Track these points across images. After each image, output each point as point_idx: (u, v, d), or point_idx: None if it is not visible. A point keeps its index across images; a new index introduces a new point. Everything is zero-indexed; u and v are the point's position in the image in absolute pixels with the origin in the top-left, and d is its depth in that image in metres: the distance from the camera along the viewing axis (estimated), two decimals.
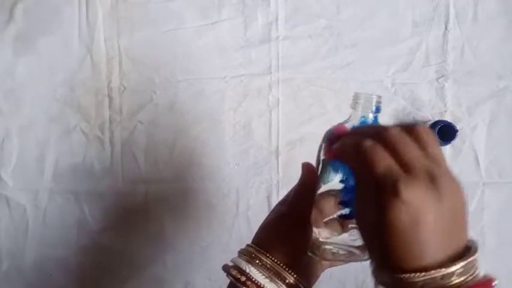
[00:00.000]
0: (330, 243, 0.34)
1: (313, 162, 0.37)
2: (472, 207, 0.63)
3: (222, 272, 0.36)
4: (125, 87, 0.65)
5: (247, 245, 0.37)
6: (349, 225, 0.34)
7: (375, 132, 0.27)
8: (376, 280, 0.28)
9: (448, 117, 0.64)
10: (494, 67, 0.64)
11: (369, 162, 0.25)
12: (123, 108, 0.65)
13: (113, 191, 0.65)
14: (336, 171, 0.34)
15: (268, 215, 0.40)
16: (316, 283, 0.37)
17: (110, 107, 0.65)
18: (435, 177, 0.24)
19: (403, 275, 0.24)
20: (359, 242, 0.34)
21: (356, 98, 0.35)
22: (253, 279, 0.33)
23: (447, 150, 0.64)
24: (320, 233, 0.35)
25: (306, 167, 0.38)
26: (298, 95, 0.65)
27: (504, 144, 0.64)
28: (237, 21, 0.65)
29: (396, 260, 0.25)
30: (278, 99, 0.65)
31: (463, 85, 0.64)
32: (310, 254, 0.35)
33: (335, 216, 0.34)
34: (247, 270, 0.34)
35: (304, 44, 0.65)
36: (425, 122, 0.64)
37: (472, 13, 0.64)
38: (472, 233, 0.26)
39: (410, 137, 0.26)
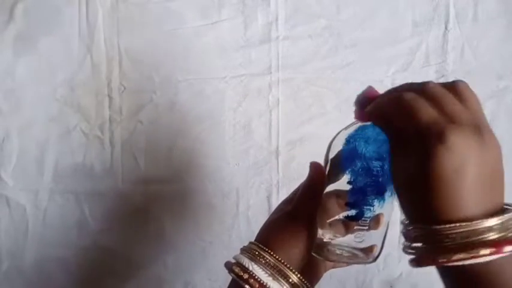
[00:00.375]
0: (334, 245, 0.34)
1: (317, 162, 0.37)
2: None
3: (222, 271, 0.35)
4: (124, 87, 0.65)
5: (250, 243, 0.36)
6: (355, 227, 0.34)
7: (414, 88, 0.27)
8: (407, 239, 0.27)
9: None
10: (494, 67, 0.64)
11: (412, 112, 0.25)
12: (123, 108, 0.65)
13: (113, 191, 0.65)
14: (344, 171, 0.34)
15: (272, 213, 0.39)
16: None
17: (110, 107, 0.65)
18: (480, 128, 0.24)
19: (441, 226, 0.24)
20: (364, 244, 0.34)
21: None
22: (256, 277, 0.32)
23: None
24: (324, 234, 0.35)
25: (314, 166, 0.37)
26: (298, 95, 0.65)
27: (504, 144, 0.64)
28: (237, 21, 0.65)
29: (434, 211, 0.24)
30: (278, 99, 0.65)
31: None
32: (314, 254, 0.35)
33: (341, 217, 0.34)
34: (250, 268, 0.33)
35: (304, 44, 0.65)
36: None
37: (472, 13, 0.64)
38: None
39: (451, 92, 0.26)
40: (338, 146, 0.35)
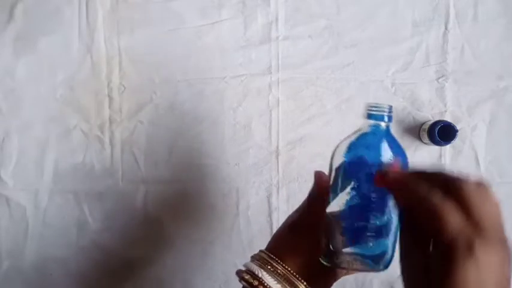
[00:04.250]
0: (345, 253, 0.34)
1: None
2: None
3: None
4: (124, 87, 0.65)
5: (260, 251, 0.37)
6: (367, 234, 0.34)
7: (446, 182, 0.26)
8: None
9: (448, 117, 0.64)
10: (494, 67, 0.64)
11: (438, 219, 0.25)
12: (123, 108, 0.65)
13: (113, 191, 0.65)
14: (348, 179, 0.34)
15: (283, 222, 0.39)
16: None
17: (110, 107, 0.65)
18: (505, 241, 0.25)
19: None
20: (374, 251, 0.34)
21: (368, 108, 0.35)
22: (266, 284, 0.33)
23: (447, 150, 0.64)
24: (335, 242, 0.34)
25: (318, 176, 0.37)
26: (298, 95, 0.65)
27: (504, 144, 0.64)
28: (237, 21, 0.65)
29: None
30: (278, 99, 0.65)
31: (463, 85, 0.64)
32: (325, 263, 0.35)
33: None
34: (260, 275, 0.34)
35: (304, 44, 0.65)
36: (425, 122, 0.63)
37: (472, 13, 0.64)
38: None
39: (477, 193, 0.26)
40: (340, 154, 0.35)
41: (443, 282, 0.24)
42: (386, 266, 0.34)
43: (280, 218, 0.65)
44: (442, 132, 0.60)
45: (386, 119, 0.34)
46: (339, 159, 0.35)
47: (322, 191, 0.36)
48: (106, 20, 0.65)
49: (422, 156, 0.64)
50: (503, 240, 0.25)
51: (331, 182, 0.35)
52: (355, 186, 0.34)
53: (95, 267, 0.66)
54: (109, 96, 0.65)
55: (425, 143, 0.63)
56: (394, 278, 0.65)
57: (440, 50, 0.64)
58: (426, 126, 0.61)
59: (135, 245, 0.66)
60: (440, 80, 0.64)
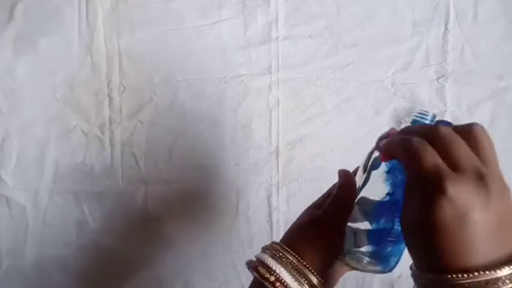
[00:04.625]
0: (356, 252, 0.34)
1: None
2: None
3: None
4: (124, 87, 0.65)
5: (273, 243, 0.36)
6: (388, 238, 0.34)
7: (424, 131, 0.27)
8: (417, 283, 0.26)
9: (448, 117, 0.64)
10: (494, 67, 0.64)
11: (415, 159, 0.25)
12: (123, 108, 0.65)
13: (113, 191, 0.65)
14: (386, 184, 0.33)
15: (300, 217, 0.38)
16: None
17: (110, 107, 0.65)
18: (483, 177, 0.24)
19: (447, 276, 0.23)
20: (385, 253, 0.34)
21: (414, 115, 0.35)
22: (282, 280, 0.32)
23: None
24: (347, 241, 0.34)
25: (345, 175, 0.36)
26: (298, 95, 0.65)
27: (504, 144, 0.64)
28: (237, 21, 0.65)
29: (440, 261, 0.24)
30: (278, 99, 0.65)
31: (463, 85, 0.64)
32: (338, 260, 0.35)
33: (367, 227, 0.34)
34: (278, 271, 0.33)
35: (304, 44, 0.65)
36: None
37: (472, 13, 0.64)
38: None
39: (463, 137, 0.26)
40: (380, 158, 0.34)
41: (423, 222, 0.24)
42: (391, 269, 0.34)
43: (280, 218, 0.65)
44: None
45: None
46: (378, 162, 0.34)
47: (349, 192, 0.35)
48: (106, 20, 0.65)
49: None
50: (485, 175, 0.24)
51: (361, 183, 0.35)
52: (391, 191, 0.33)
53: (95, 267, 0.66)
54: (109, 96, 0.65)
55: None
56: (394, 278, 0.65)
57: (440, 50, 0.64)
58: None
59: (135, 245, 0.66)
60: (440, 80, 0.64)
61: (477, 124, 0.27)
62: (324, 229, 0.35)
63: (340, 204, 0.36)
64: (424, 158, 0.25)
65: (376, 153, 0.34)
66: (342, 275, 0.38)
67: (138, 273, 0.66)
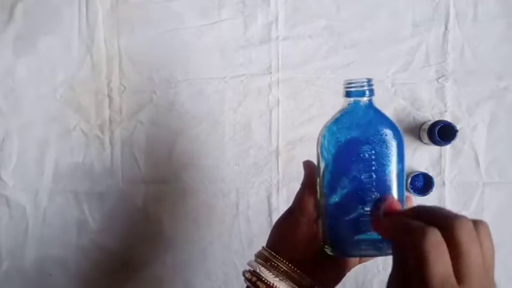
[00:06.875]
0: (357, 240, 0.34)
1: (314, 161, 0.37)
2: (471, 207, 0.64)
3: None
4: (124, 87, 0.65)
5: (263, 248, 0.38)
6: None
7: (441, 224, 0.25)
8: None
9: (448, 117, 0.64)
10: (494, 67, 0.64)
11: (425, 262, 0.24)
12: (123, 108, 0.65)
13: (112, 191, 0.65)
14: (339, 166, 0.34)
15: (278, 217, 0.40)
16: None
17: (110, 107, 0.65)
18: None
19: None
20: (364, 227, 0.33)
21: (347, 84, 0.34)
22: (264, 279, 0.34)
23: (447, 150, 0.64)
24: (346, 231, 0.34)
25: (306, 164, 0.38)
26: (298, 95, 0.65)
27: (504, 144, 0.64)
28: (237, 21, 0.65)
29: None
30: (278, 99, 0.65)
31: (463, 85, 0.64)
32: (337, 255, 0.35)
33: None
34: (258, 271, 0.35)
35: (304, 44, 0.65)
36: (425, 122, 0.63)
37: (472, 13, 0.64)
38: None
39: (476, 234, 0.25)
40: (327, 140, 0.34)
41: None
42: (385, 250, 0.34)
43: None
44: (442, 132, 0.60)
45: (367, 93, 0.33)
46: (326, 145, 0.34)
47: (310, 178, 0.37)
48: (106, 20, 0.65)
49: (422, 156, 0.64)
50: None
51: (320, 172, 0.35)
52: (347, 172, 0.33)
53: (95, 267, 0.66)
54: (109, 96, 0.65)
55: (425, 143, 0.63)
56: None
57: (440, 50, 0.64)
58: (426, 126, 0.61)
59: (135, 245, 0.66)
60: (440, 80, 0.64)
61: (484, 223, 0.26)
62: (292, 220, 0.37)
63: (303, 192, 0.37)
64: (436, 264, 0.24)
65: (326, 136, 0.34)
66: (347, 269, 0.38)
67: (138, 273, 0.66)
